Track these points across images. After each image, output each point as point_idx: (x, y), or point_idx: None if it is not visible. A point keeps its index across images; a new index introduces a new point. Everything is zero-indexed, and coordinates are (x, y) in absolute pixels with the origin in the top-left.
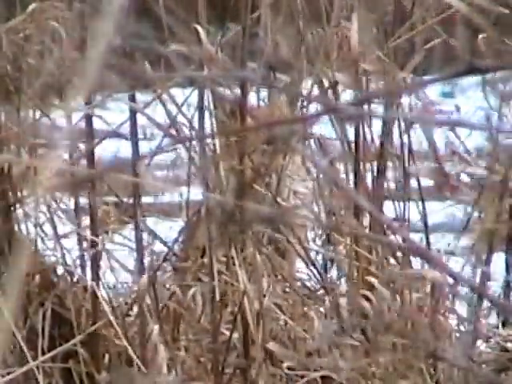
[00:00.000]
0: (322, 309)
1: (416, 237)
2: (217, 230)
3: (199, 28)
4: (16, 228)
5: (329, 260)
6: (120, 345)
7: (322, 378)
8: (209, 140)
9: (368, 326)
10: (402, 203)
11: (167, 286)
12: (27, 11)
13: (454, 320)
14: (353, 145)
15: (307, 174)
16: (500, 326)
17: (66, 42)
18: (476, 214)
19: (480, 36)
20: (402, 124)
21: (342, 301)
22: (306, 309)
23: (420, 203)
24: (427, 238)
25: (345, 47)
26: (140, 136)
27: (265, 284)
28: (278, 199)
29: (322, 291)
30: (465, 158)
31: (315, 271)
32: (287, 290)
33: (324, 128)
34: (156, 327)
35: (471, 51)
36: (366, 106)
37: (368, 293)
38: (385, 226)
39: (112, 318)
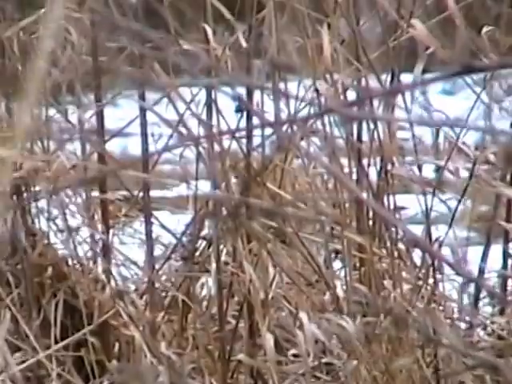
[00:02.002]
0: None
1: (417, 229)
2: (223, 222)
3: (207, 27)
4: (30, 222)
5: (333, 252)
6: (130, 334)
7: (326, 364)
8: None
9: (368, 314)
10: (404, 196)
11: (176, 276)
12: (39, 12)
13: (452, 307)
14: (355, 140)
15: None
16: (497, 314)
17: (77, 43)
18: (472, 206)
19: (483, 30)
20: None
21: (341, 292)
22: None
23: (422, 196)
24: (428, 230)
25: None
26: (149, 134)
27: (270, 275)
28: (282, 193)
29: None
30: (466, 151)
31: (315, 264)
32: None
33: (328, 124)
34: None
35: (472, 49)
36: (366, 106)
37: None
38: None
39: (122, 308)
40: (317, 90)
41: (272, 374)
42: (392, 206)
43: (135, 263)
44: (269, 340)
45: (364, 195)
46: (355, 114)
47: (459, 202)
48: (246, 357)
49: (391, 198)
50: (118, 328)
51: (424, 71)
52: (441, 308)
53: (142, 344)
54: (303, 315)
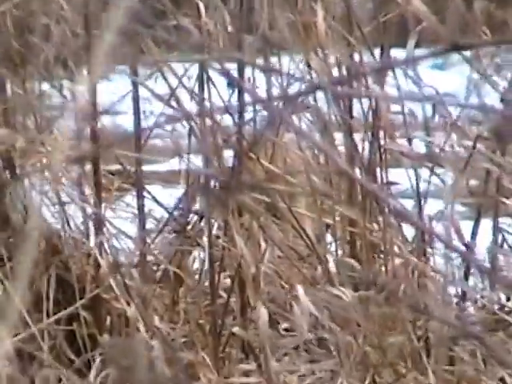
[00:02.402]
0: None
1: (408, 203)
2: (215, 196)
3: (199, 2)
4: (22, 196)
5: (324, 227)
6: (121, 308)
7: (319, 339)
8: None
9: (359, 287)
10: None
11: (167, 250)
12: None
13: (443, 282)
14: (347, 115)
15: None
16: (487, 288)
17: (70, 18)
18: (464, 182)
19: (476, 5)
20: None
21: (332, 266)
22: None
23: (412, 170)
24: (419, 205)
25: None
26: (142, 108)
27: (261, 249)
28: (273, 168)
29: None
30: (459, 126)
31: (306, 238)
32: (282, 255)
33: (319, 101)
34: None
35: (463, 25)
36: (356, 82)
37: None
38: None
39: (113, 282)
40: (309, 66)
41: (265, 348)
42: (384, 181)
43: (128, 236)
44: (263, 314)
45: (355, 170)
46: (345, 91)
47: (456, 176)
48: (240, 330)
49: (384, 172)
50: (110, 302)
51: (414, 47)
52: (432, 282)
53: (137, 318)
54: (299, 289)
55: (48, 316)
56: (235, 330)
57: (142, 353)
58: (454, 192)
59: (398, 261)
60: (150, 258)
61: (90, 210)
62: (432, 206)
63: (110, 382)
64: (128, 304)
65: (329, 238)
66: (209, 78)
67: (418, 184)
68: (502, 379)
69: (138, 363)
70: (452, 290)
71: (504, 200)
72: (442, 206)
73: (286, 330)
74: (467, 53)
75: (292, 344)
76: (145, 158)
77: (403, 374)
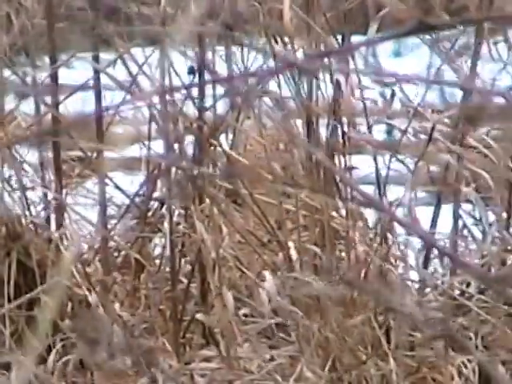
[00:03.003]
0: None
1: (369, 189)
2: (176, 183)
3: None
4: None
5: (285, 212)
6: (82, 294)
7: (277, 325)
8: (169, 97)
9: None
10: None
11: (128, 236)
12: None
13: (404, 268)
14: (306, 101)
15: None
16: (448, 274)
17: (30, 6)
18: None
19: None
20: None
21: (294, 253)
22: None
23: (373, 156)
24: (379, 190)
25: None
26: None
27: (221, 234)
28: (234, 153)
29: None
30: (421, 111)
31: (267, 224)
32: (243, 241)
33: (279, 85)
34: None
35: (424, 10)
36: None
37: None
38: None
39: (74, 268)
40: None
41: (232, 333)
42: (344, 166)
43: (89, 223)
44: (229, 299)
45: (318, 153)
46: (310, 66)
47: (416, 163)
48: (202, 315)
49: (345, 158)
50: (71, 288)
51: (376, 33)
52: (393, 268)
53: (97, 305)
54: (265, 275)
55: (9, 301)
56: (198, 316)
57: (103, 338)
58: (413, 178)
59: (359, 247)
60: (111, 244)
61: (51, 196)
62: (393, 193)
63: (70, 367)
64: (89, 290)
65: (290, 224)
66: (169, 65)
67: (378, 170)
68: (461, 364)
69: (99, 348)
70: (413, 276)
71: (462, 187)
72: (403, 193)
73: (245, 315)
74: (427, 37)
75: (253, 330)
76: (106, 145)
77: (364, 361)
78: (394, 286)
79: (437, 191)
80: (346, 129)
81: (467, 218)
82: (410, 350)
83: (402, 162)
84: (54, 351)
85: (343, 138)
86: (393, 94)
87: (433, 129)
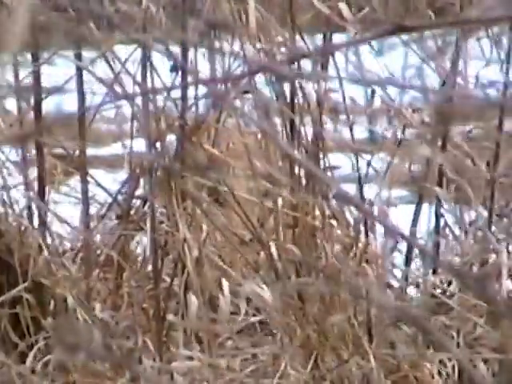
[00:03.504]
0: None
1: (350, 188)
2: (158, 181)
3: None
4: None
5: (267, 210)
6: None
7: (260, 323)
8: (151, 95)
9: (301, 273)
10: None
11: (111, 235)
12: None
13: (385, 266)
14: (289, 100)
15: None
16: (429, 273)
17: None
18: (404, 166)
19: None
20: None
21: (275, 252)
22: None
23: (353, 155)
24: (360, 189)
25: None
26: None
27: (204, 233)
28: (216, 152)
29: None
30: (401, 111)
31: (249, 223)
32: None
33: (261, 85)
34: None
35: (407, 8)
36: (298, 65)
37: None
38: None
39: (55, 266)
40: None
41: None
42: (325, 165)
43: (71, 221)
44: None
45: (297, 154)
46: (286, 71)
47: (394, 162)
48: (174, 317)
49: (325, 156)
50: (53, 286)
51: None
52: (373, 267)
53: (74, 307)
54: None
55: None
56: (170, 317)
57: (83, 338)
58: (391, 177)
59: (338, 246)
60: (93, 242)
61: (33, 194)
62: (373, 191)
63: (51, 365)
64: (70, 289)
65: (271, 223)
66: (151, 62)
67: (358, 169)
68: (441, 362)
69: (78, 350)
70: (394, 274)
71: (436, 188)
72: (381, 191)
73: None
74: (407, 36)
75: (235, 328)
76: (88, 142)
77: (346, 360)
78: (372, 285)
79: (417, 190)
80: (322, 129)
81: (448, 217)
82: (392, 349)
83: (378, 160)
84: (34, 350)
85: (318, 137)
86: (373, 93)
87: (404, 129)
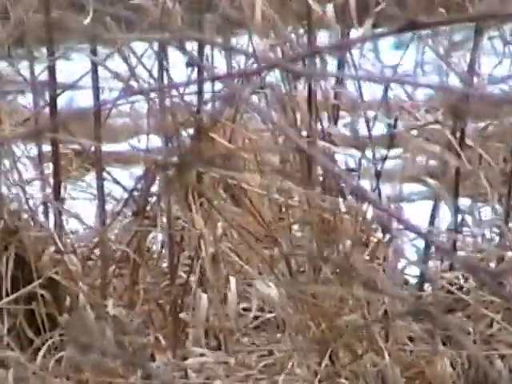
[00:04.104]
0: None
1: (367, 184)
2: (174, 177)
3: None
4: None
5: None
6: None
7: (276, 318)
8: (167, 90)
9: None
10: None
11: (127, 231)
12: None
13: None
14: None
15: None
16: (446, 270)
17: None
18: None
19: None
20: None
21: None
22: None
23: (372, 151)
24: (378, 186)
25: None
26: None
27: (220, 229)
28: (232, 147)
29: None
30: (412, 112)
31: (260, 219)
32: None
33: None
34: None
35: (421, 5)
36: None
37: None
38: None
39: (71, 263)
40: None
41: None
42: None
43: (84, 219)
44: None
45: (312, 150)
46: (300, 68)
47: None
48: (184, 314)
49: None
50: (67, 283)
51: (375, 27)
52: (389, 263)
53: (85, 305)
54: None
55: (7, 295)
56: (181, 315)
57: (96, 334)
58: (407, 173)
59: (352, 241)
60: (109, 238)
61: (49, 191)
62: (389, 187)
63: (63, 363)
64: (86, 285)
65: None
66: (167, 58)
67: (376, 165)
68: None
69: (91, 348)
70: (412, 271)
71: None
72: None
73: (244, 309)
74: (423, 32)
75: (244, 324)
76: (104, 136)
77: (360, 355)
78: (388, 279)
79: (434, 186)
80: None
81: (466, 214)
82: (407, 344)
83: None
84: (44, 347)
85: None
86: (386, 91)
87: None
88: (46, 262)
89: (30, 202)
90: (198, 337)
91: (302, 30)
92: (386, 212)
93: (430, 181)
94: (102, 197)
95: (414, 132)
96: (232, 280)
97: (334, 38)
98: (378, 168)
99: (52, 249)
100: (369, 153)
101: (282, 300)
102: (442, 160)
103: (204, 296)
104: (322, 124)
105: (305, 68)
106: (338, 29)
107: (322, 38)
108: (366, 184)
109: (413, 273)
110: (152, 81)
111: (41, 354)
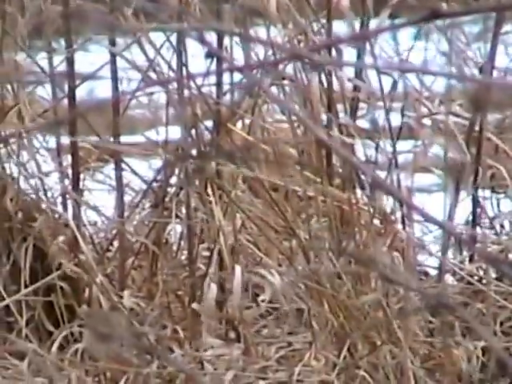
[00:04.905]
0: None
1: (383, 175)
2: (193, 168)
3: None
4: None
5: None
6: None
7: (297, 309)
8: (186, 81)
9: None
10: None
11: (146, 222)
12: None
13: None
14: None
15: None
16: (465, 261)
17: None
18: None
19: None
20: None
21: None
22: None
23: (390, 142)
24: (396, 176)
25: None
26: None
27: (239, 221)
28: (252, 138)
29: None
30: (427, 104)
31: (280, 212)
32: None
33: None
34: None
35: None
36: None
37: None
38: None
39: (90, 254)
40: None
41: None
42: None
43: (103, 210)
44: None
45: (332, 141)
46: (320, 59)
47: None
48: (197, 305)
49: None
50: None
51: (394, 17)
52: (409, 254)
53: (98, 296)
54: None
55: (26, 286)
56: (194, 305)
57: (115, 325)
58: (426, 164)
59: (371, 233)
60: (128, 229)
61: (67, 182)
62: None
63: (80, 354)
64: (107, 276)
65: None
66: (186, 49)
67: (395, 156)
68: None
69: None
70: (431, 262)
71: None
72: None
73: (263, 301)
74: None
75: (271, 315)
76: (123, 127)
77: (378, 346)
78: (408, 271)
79: (455, 176)
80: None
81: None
82: (426, 336)
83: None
84: (59, 338)
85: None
86: (395, 83)
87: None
88: (61, 253)
89: (49, 194)
90: (214, 328)
91: (319, 21)
92: (406, 203)
93: (444, 172)
94: (120, 188)
95: (429, 123)
96: (237, 269)
97: (350, 28)
98: (397, 159)
99: (70, 240)
100: (387, 144)
101: (290, 291)
102: (459, 151)
103: (213, 286)
104: (338, 116)
105: (326, 58)
106: (354, 19)
107: (339, 28)
108: (384, 175)
109: (432, 264)
110: (171, 72)
111: (56, 344)
